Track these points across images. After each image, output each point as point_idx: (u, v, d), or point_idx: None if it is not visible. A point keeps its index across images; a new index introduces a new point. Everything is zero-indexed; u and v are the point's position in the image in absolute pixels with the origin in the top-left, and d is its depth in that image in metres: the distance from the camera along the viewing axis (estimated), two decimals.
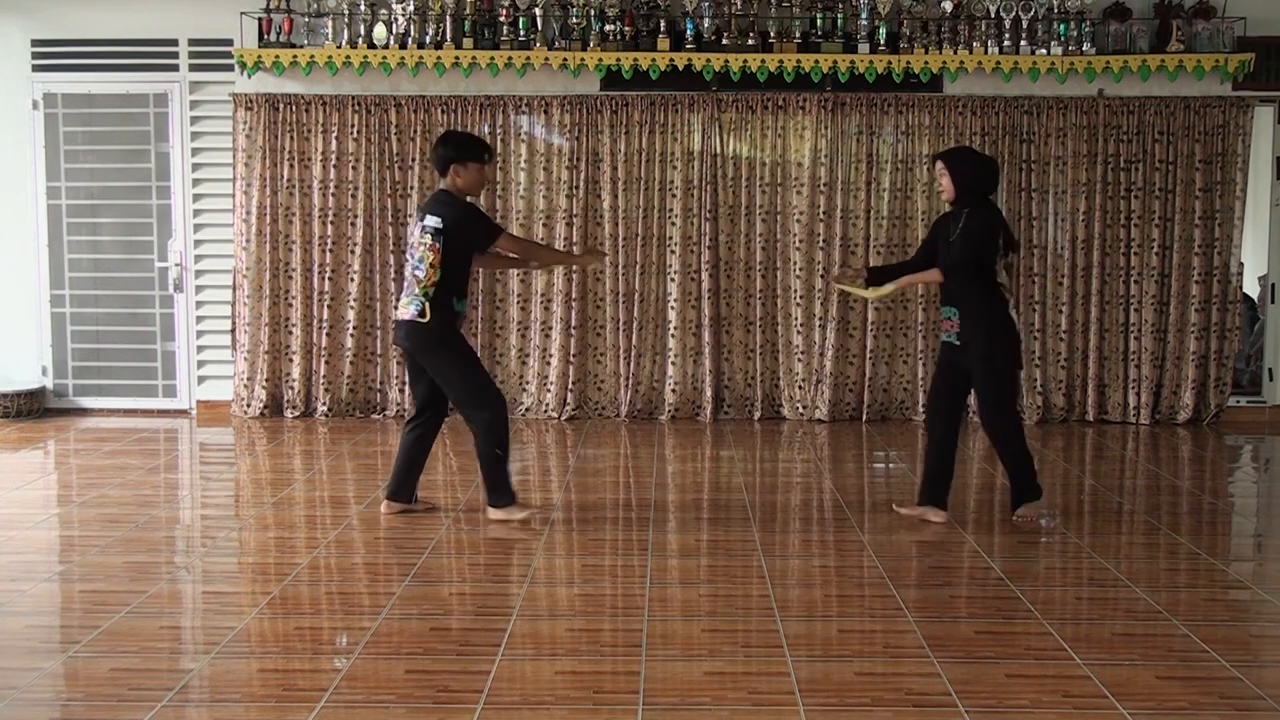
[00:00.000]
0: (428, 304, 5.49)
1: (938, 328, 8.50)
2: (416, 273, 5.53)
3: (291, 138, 8.50)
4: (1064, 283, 8.52)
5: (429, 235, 5.49)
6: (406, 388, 8.56)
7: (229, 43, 8.52)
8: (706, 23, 8.36)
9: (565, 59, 8.33)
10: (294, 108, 8.48)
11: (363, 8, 8.44)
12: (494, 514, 5.77)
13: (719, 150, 8.52)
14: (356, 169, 8.51)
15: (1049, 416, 8.56)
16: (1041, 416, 8.53)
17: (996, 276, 5.65)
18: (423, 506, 5.98)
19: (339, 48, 8.36)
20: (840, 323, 8.50)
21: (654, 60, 8.31)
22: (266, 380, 8.59)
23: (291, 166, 8.51)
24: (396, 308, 5.77)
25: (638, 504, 6.20)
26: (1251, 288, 9.31)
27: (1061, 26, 8.32)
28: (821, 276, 8.49)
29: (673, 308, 8.51)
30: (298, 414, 8.60)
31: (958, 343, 5.68)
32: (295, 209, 8.54)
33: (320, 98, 8.47)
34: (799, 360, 8.59)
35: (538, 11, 8.35)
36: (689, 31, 8.38)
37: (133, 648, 4.08)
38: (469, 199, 5.72)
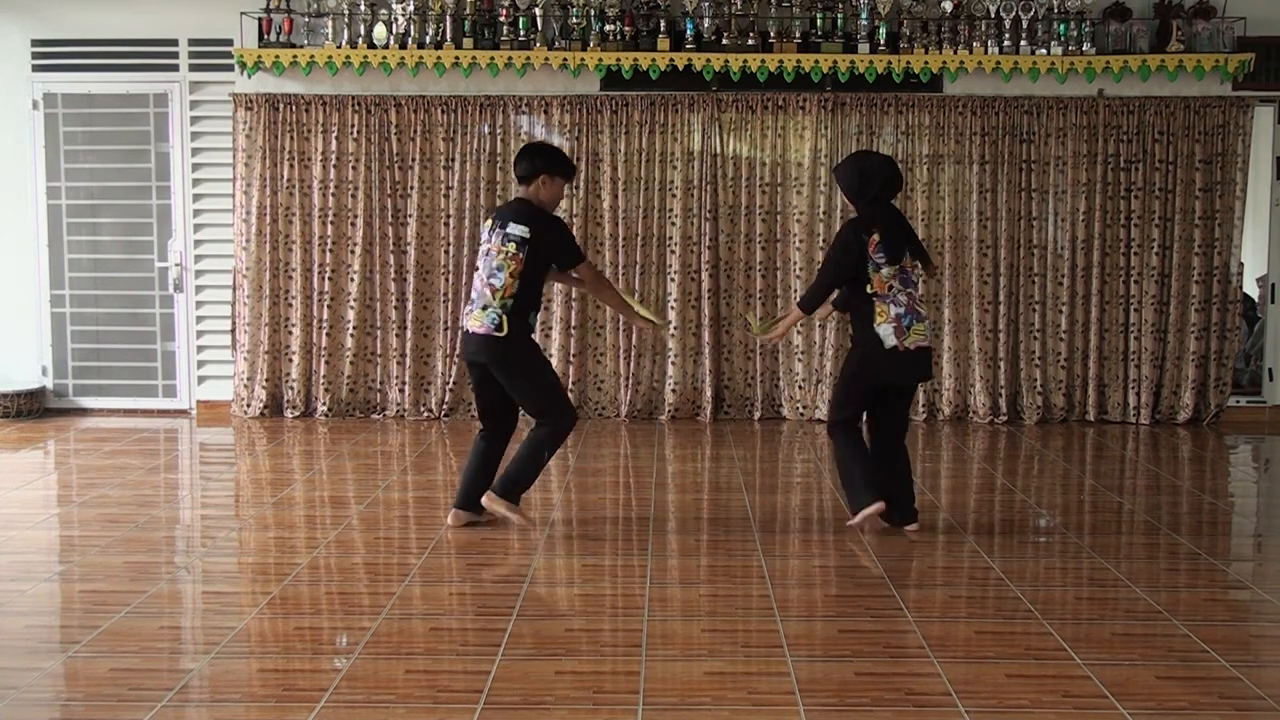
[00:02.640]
0: (505, 317, 5.29)
1: (937, 330, 8.55)
2: (493, 281, 5.33)
3: (291, 138, 8.50)
4: (1064, 283, 8.52)
5: (513, 244, 5.31)
6: (406, 387, 8.57)
7: (229, 43, 8.52)
8: (706, 23, 8.36)
9: (565, 59, 8.33)
10: (294, 108, 8.48)
11: (363, 8, 8.44)
12: (492, 502, 5.51)
13: (719, 150, 8.51)
14: (356, 169, 8.51)
15: (1049, 416, 8.56)
16: (1041, 416, 8.53)
17: (868, 288, 5.40)
18: (487, 518, 5.63)
19: (339, 48, 8.36)
20: (840, 322, 8.50)
21: (654, 60, 8.31)
22: (266, 380, 8.59)
23: (291, 166, 8.51)
24: (465, 317, 5.50)
25: (638, 504, 6.19)
26: (1251, 288, 9.30)
27: (1061, 26, 8.31)
28: None
29: (673, 307, 8.51)
30: (298, 414, 8.59)
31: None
32: (295, 209, 8.54)
33: (320, 98, 8.47)
34: (799, 360, 8.59)
35: (538, 11, 8.35)
36: (689, 31, 8.37)
37: (133, 648, 4.07)
38: (554, 213, 5.58)
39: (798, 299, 5.69)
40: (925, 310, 5.66)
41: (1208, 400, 8.57)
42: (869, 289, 5.41)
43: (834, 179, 5.77)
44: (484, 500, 5.55)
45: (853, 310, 5.57)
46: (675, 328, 8.51)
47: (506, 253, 5.32)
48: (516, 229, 5.34)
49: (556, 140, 8.46)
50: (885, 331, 5.40)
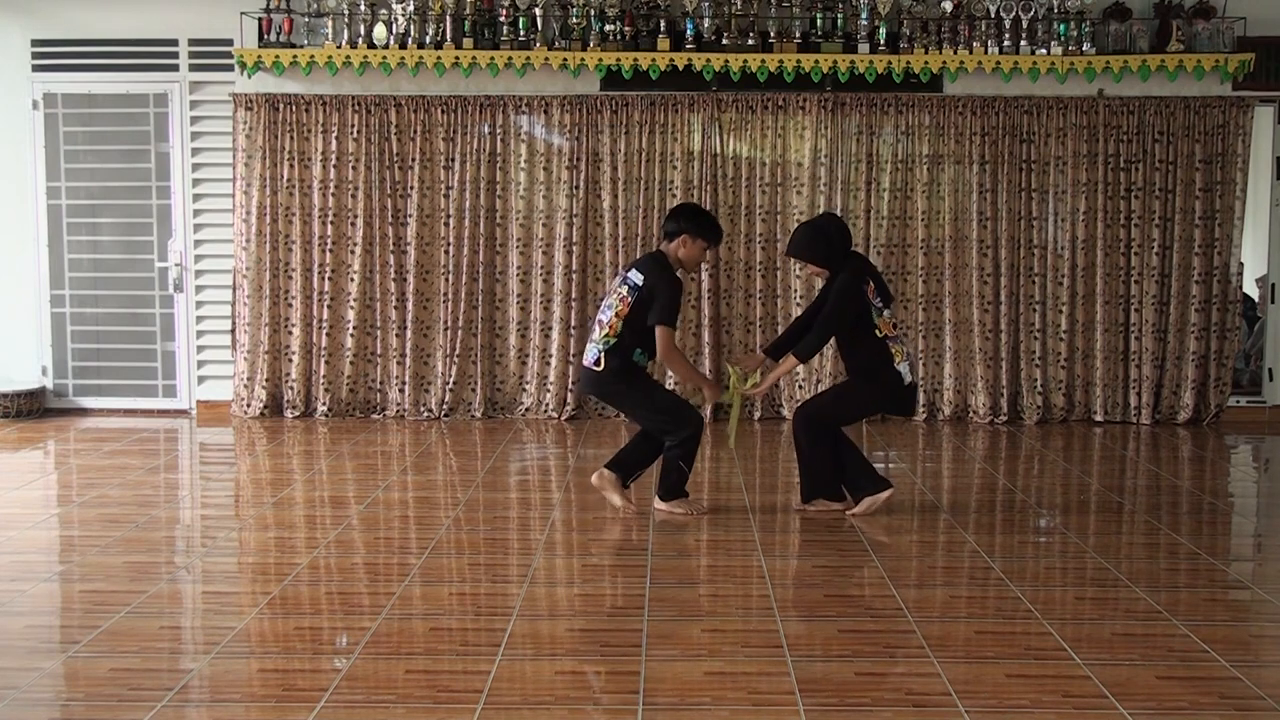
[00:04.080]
0: (604, 354, 5.63)
1: (937, 330, 8.55)
2: (602, 317, 5.71)
3: (291, 138, 8.50)
4: (1064, 283, 8.52)
5: (626, 288, 5.64)
6: (406, 387, 8.57)
7: (229, 43, 8.52)
8: (706, 23, 8.36)
9: (565, 59, 8.33)
10: (294, 108, 8.48)
11: (363, 8, 8.44)
12: (659, 505, 5.88)
13: (719, 150, 8.52)
14: (356, 169, 8.51)
15: (1049, 416, 8.55)
16: (1041, 416, 8.53)
17: (877, 332, 5.66)
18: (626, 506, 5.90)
19: (339, 48, 8.36)
20: None
21: (654, 60, 8.31)
22: (266, 380, 8.59)
23: (291, 166, 8.51)
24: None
25: (637, 504, 6.19)
26: (1251, 288, 9.30)
27: (1061, 26, 8.31)
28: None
29: None
30: (298, 414, 8.59)
31: None
32: (295, 209, 8.54)
33: (320, 98, 8.47)
34: None
35: (538, 11, 8.35)
36: (689, 31, 8.37)
37: (133, 648, 4.07)
38: (680, 272, 5.78)
39: (794, 349, 5.78)
40: None
41: (1208, 400, 8.57)
42: (878, 333, 5.68)
43: (793, 257, 6.02)
44: (656, 505, 5.89)
45: (863, 357, 5.75)
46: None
47: (619, 295, 5.66)
48: (634, 276, 5.67)
49: (557, 140, 8.46)
50: (904, 369, 5.75)
